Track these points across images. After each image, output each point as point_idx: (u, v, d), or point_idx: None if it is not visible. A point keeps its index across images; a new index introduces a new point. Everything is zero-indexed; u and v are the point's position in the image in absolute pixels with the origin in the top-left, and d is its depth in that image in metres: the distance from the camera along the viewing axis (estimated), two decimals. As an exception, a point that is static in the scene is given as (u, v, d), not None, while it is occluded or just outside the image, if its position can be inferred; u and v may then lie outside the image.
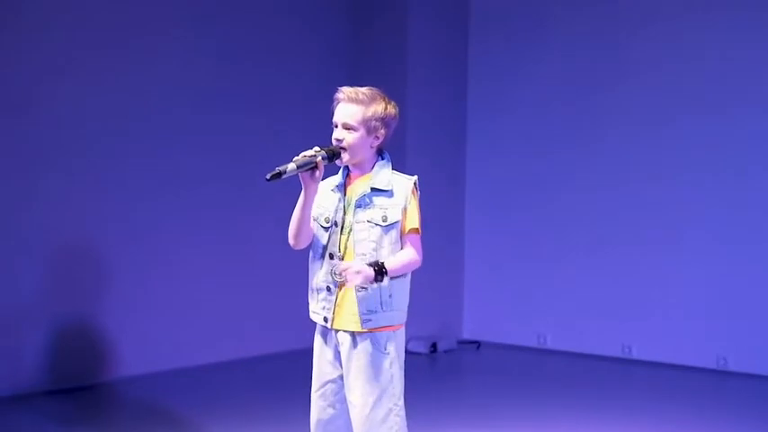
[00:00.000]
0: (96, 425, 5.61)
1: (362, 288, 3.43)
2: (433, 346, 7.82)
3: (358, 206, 3.48)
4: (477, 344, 8.13)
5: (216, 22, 7.20)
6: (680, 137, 7.46)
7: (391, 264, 3.41)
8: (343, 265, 3.39)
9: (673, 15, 7.51)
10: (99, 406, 6.14)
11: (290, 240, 3.60)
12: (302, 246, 3.59)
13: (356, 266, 3.36)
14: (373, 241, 3.45)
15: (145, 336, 6.75)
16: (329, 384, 3.55)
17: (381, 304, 3.45)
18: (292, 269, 7.53)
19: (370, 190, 3.49)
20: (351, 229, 3.48)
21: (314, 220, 3.56)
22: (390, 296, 3.46)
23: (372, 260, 3.41)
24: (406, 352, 3.60)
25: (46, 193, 6.27)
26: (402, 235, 3.49)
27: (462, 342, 8.16)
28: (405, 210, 3.48)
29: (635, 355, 7.63)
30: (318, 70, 7.90)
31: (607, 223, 7.77)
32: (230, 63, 7.28)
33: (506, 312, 8.20)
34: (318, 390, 3.58)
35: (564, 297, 7.92)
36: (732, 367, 7.22)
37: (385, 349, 3.47)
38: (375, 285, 3.40)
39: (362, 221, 3.46)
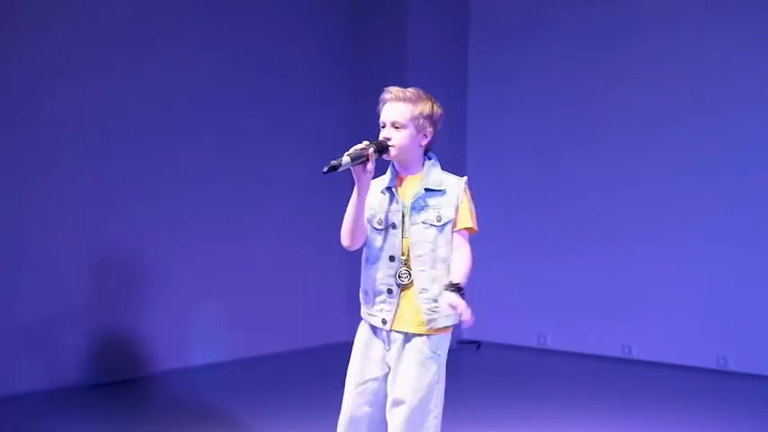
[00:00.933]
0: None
1: (424, 289, 3.47)
2: (433, 346, 7.81)
3: (413, 208, 3.50)
4: (477, 344, 8.13)
5: (216, 23, 7.19)
6: (680, 137, 7.46)
7: (462, 277, 3.45)
8: (453, 309, 3.40)
9: (673, 15, 7.51)
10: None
11: (345, 241, 3.55)
12: (356, 246, 3.56)
13: (459, 307, 3.37)
14: (430, 242, 3.48)
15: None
16: (370, 383, 3.53)
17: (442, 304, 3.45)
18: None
19: (423, 191, 3.51)
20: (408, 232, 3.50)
21: (367, 221, 3.55)
22: None
23: (428, 264, 3.46)
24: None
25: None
26: (454, 232, 3.52)
27: (462, 342, 8.16)
28: (457, 208, 3.52)
29: (635, 355, 7.63)
30: (318, 70, 7.90)
31: (607, 223, 7.77)
32: (230, 63, 7.28)
33: (506, 312, 8.20)
34: (358, 387, 3.55)
35: (564, 297, 7.92)
36: (732, 367, 7.22)
37: (437, 351, 3.50)
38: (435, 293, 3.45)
39: (418, 223, 3.49)
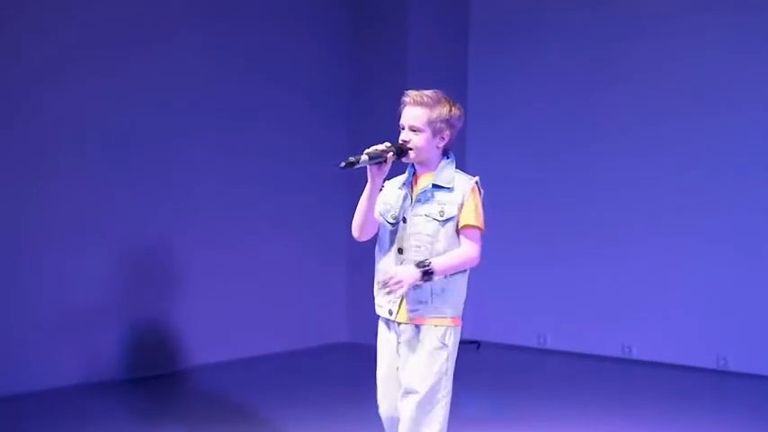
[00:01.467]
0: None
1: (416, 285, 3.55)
2: (433, 346, 7.81)
3: (418, 201, 3.61)
4: (477, 344, 8.13)
5: (216, 23, 7.19)
6: (680, 137, 7.46)
7: (439, 263, 3.53)
8: (387, 276, 3.52)
9: (673, 15, 7.51)
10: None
11: (354, 233, 3.72)
12: (365, 238, 3.71)
13: (399, 276, 3.48)
14: (429, 235, 3.57)
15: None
16: (394, 371, 3.66)
17: (432, 296, 3.57)
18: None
19: (431, 186, 3.61)
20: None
21: (380, 215, 3.67)
22: (443, 290, 3.58)
23: (424, 256, 3.54)
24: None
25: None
26: (458, 230, 3.59)
27: (462, 342, 8.14)
28: (461, 206, 3.59)
29: (635, 355, 7.63)
30: (318, 70, 7.90)
31: (607, 223, 7.77)
32: (231, 63, 7.28)
33: (506, 312, 8.20)
34: (389, 375, 3.68)
35: (564, 297, 7.92)
36: (732, 367, 7.22)
37: (445, 342, 3.61)
38: (424, 283, 3.52)
39: (420, 215, 3.59)
